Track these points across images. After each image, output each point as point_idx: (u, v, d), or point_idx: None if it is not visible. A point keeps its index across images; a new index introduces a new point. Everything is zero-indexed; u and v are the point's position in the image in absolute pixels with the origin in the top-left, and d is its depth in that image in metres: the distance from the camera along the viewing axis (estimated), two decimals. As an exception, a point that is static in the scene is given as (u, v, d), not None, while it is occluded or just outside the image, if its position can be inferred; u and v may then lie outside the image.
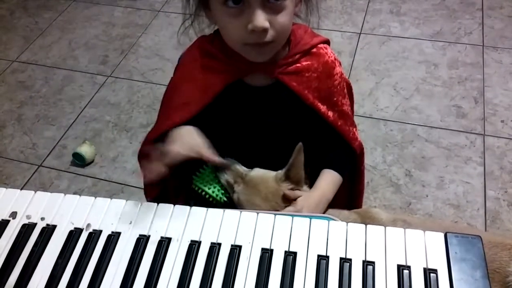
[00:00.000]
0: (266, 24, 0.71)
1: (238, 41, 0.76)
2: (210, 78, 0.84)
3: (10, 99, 2.03)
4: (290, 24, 0.78)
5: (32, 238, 0.67)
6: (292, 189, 0.85)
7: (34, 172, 1.72)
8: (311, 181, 0.90)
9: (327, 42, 0.89)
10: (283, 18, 0.73)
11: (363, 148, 0.98)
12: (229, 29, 0.76)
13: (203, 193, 0.90)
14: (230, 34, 0.76)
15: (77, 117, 1.92)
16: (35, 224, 0.69)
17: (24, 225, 0.68)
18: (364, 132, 1.73)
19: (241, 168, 0.90)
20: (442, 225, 1.17)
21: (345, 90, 0.92)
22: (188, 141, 0.77)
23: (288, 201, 0.83)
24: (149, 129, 1.94)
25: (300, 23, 0.86)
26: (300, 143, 0.81)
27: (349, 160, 0.95)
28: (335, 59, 0.88)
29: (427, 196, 1.53)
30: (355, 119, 0.98)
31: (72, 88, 2.06)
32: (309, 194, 0.85)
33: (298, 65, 0.84)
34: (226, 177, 0.90)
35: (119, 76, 2.09)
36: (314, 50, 0.86)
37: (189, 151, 0.75)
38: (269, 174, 0.87)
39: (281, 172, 0.85)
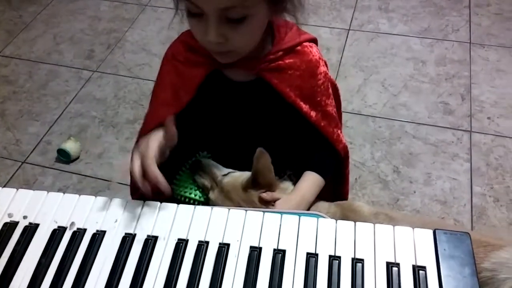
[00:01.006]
0: (220, 39, 0.70)
1: (201, 44, 0.77)
2: (192, 71, 0.84)
3: (-8, 94, 1.99)
4: (256, 33, 0.76)
5: (14, 237, 0.65)
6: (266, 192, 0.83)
7: (17, 169, 1.69)
8: (296, 181, 0.89)
9: (313, 40, 0.88)
10: (242, 34, 0.71)
11: (348, 152, 0.97)
12: (193, 32, 0.76)
13: (183, 198, 0.90)
14: (195, 36, 0.77)
15: (62, 112, 1.89)
16: (17, 222, 0.67)
17: (5, 224, 0.67)
18: (353, 128, 1.73)
19: (218, 171, 0.89)
20: (424, 221, 1.17)
21: (330, 91, 0.90)
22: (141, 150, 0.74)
23: (266, 204, 0.82)
24: (136, 125, 1.91)
25: (287, 19, 0.85)
26: (259, 148, 0.79)
27: (333, 163, 0.94)
28: (319, 58, 0.87)
29: (414, 192, 1.54)
30: (344, 115, 0.97)
31: (57, 83, 2.02)
32: (289, 197, 0.84)
33: (280, 62, 0.82)
34: (202, 180, 0.89)
35: (105, 71, 2.05)
36: (299, 48, 0.84)
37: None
38: (241, 179, 0.85)
39: (247, 180, 0.83)
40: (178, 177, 0.93)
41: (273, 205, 0.81)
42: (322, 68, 0.87)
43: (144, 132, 0.88)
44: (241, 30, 0.70)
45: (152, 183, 0.67)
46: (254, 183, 0.82)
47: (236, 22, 0.69)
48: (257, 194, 0.82)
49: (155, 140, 0.74)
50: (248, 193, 0.82)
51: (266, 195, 0.81)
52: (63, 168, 1.67)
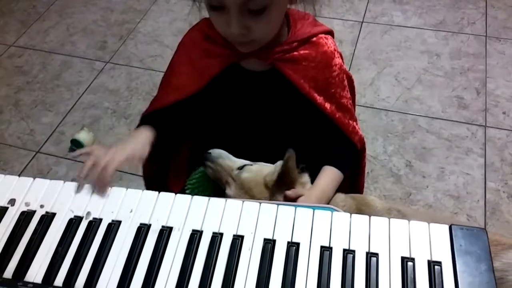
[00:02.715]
0: (243, 31, 0.72)
1: (223, 35, 0.78)
2: (207, 61, 0.84)
3: (7, 84, 2.00)
4: (276, 22, 0.77)
5: (31, 225, 0.66)
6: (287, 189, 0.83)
7: (31, 159, 1.71)
8: (312, 175, 0.89)
9: (330, 32, 0.88)
10: (263, 24, 0.72)
11: (364, 143, 0.96)
12: (215, 24, 0.78)
13: None
14: (217, 28, 0.78)
15: (75, 103, 1.90)
16: (34, 211, 0.68)
17: (23, 212, 0.67)
18: (365, 122, 1.72)
19: (231, 163, 0.88)
20: (436, 218, 1.16)
21: (345, 83, 0.89)
22: (127, 148, 0.78)
23: (290, 201, 0.81)
24: (148, 116, 1.88)
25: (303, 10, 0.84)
26: (291, 150, 0.79)
27: (350, 156, 0.94)
28: (335, 50, 0.86)
29: (427, 187, 1.52)
30: (356, 109, 0.96)
31: (70, 73, 2.03)
32: (310, 193, 0.83)
33: (295, 53, 0.82)
34: (212, 172, 0.88)
35: (118, 63, 2.06)
36: (314, 39, 0.84)
37: (124, 161, 0.75)
38: (262, 174, 0.84)
39: (271, 179, 0.83)
40: (189, 181, 0.93)
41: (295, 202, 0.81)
42: (337, 60, 0.86)
43: (146, 113, 0.90)
44: (262, 20, 0.71)
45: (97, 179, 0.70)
46: (279, 182, 0.82)
47: (257, 13, 0.70)
48: (281, 192, 0.81)
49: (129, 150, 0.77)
50: (272, 191, 0.82)
51: (291, 193, 0.81)
52: (77, 158, 1.69)
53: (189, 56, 0.87)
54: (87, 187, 0.70)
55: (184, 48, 0.89)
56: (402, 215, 0.87)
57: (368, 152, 1.62)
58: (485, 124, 1.69)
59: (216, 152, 0.90)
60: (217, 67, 0.83)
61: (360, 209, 0.86)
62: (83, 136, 1.69)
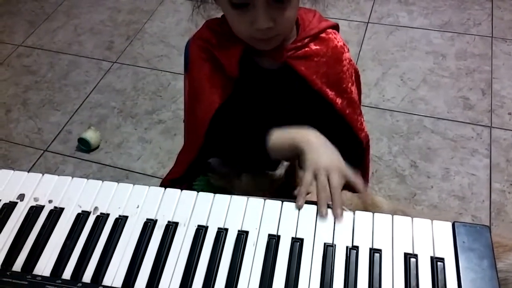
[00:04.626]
0: (270, 24, 0.72)
1: (244, 35, 0.77)
2: (229, 48, 0.82)
3: (15, 83, 2.03)
4: (296, 15, 0.78)
5: (40, 220, 0.67)
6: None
7: (39, 157, 1.73)
8: None
9: (335, 26, 0.88)
10: (288, 14, 0.73)
11: (369, 140, 0.97)
12: (235, 24, 0.77)
13: None
14: (237, 29, 0.77)
15: (83, 102, 1.92)
16: (43, 206, 0.69)
17: (31, 207, 0.69)
18: (370, 122, 1.72)
19: (231, 172, 0.88)
20: (441, 219, 1.16)
21: (353, 77, 0.90)
22: (335, 160, 0.72)
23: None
24: (154, 115, 1.92)
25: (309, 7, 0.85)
26: None
27: (356, 152, 0.94)
28: (344, 44, 0.87)
29: (432, 187, 1.52)
30: (361, 109, 0.97)
31: (77, 73, 2.05)
32: None
33: (307, 49, 0.83)
34: (218, 182, 0.89)
35: (124, 62, 2.08)
36: (323, 35, 0.85)
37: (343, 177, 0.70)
38: (259, 180, 0.85)
39: (278, 176, 0.83)
40: (195, 184, 0.94)
41: None
42: (347, 55, 0.87)
43: (193, 132, 0.87)
44: (287, 10, 0.72)
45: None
46: (288, 179, 0.82)
47: (282, 2, 0.71)
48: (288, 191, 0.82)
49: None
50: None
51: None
52: (83, 157, 1.71)
53: (209, 52, 0.84)
54: (94, 182, 0.71)
55: (202, 47, 0.85)
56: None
57: (373, 152, 1.62)
58: (491, 124, 1.68)
59: (215, 161, 0.91)
60: (239, 48, 0.81)
61: (366, 210, 0.87)
62: (90, 135, 1.71)
